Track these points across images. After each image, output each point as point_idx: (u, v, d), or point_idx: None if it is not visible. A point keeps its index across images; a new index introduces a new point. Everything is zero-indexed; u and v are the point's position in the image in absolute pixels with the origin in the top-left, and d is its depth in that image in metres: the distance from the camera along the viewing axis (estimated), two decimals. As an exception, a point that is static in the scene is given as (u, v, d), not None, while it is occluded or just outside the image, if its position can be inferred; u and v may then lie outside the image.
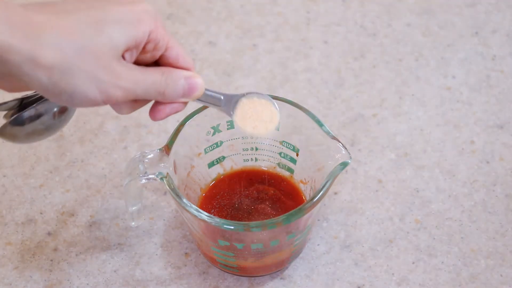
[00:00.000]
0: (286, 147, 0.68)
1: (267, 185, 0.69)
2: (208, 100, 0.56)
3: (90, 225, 0.70)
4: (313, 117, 0.63)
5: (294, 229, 0.61)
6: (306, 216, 0.59)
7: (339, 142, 0.61)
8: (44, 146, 0.76)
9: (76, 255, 0.68)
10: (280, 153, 0.69)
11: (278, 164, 0.70)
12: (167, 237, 0.70)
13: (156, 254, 0.68)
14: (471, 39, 0.87)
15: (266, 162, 0.70)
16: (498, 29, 0.88)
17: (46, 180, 0.74)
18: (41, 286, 0.66)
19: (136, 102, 0.53)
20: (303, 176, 0.68)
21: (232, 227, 0.59)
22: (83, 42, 0.47)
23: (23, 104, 0.55)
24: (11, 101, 0.55)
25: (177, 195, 0.59)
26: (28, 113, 0.55)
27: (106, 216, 0.71)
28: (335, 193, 0.72)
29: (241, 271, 0.65)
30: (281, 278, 0.67)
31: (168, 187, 0.60)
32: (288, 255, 0.65)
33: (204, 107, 0.64)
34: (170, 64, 0.53)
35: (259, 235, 0.60)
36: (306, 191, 0.68)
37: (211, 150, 0.68)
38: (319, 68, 0.84)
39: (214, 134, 0.67)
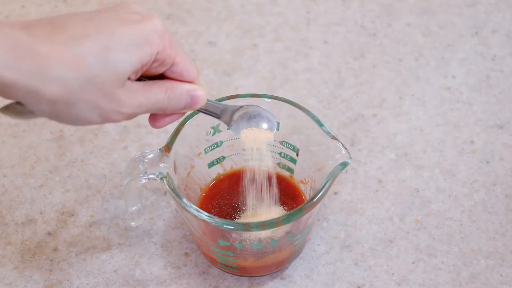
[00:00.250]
0: (286, 147, 0.68)
1: (267, 185, 0.69)
2: (209, 108, 0.59)
3: (90, 225, 0.70)
4: (313, 117, 0.63)
5: (294, 229, 0.61)
6: (306, 216, 0.59)
7: (339, 142, 0.61)
8: (44, 146, 0.76)
9: (76, 255, 0.68)
10: (280, 153, 0.69)
11: (278, 164, 0.70)
12: (167, 237, 0.70)
13: (156, 254, 0.68)
14: (471, 39, 0.87)
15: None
16: (498, 29, 0.88)
17: (46, 180, 0.74)
18: (41, 286, 0.66)
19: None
20: (303, 176, 0.68)
21: (232, 227, 0.59)
22: (88, 75, 0.47)
23: None
24: None
25: (177, 195, 0.59)
26: None
27: (106, 216, 0.71)
28: (335, 193, 0.72)
29: (241, 271, 0.65)
30: (281, 278, 0.67)
31: (168, 187, 0.60)
32: (288, 255, 0.65)
33: (204, 107, 0.65)
34: (174, 78, 0.53)
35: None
36: (306, 191, 0.68)
37: (211, 150, 0.68)
38: (319, 68, 0.84)
39: (214, 134, 0.67)
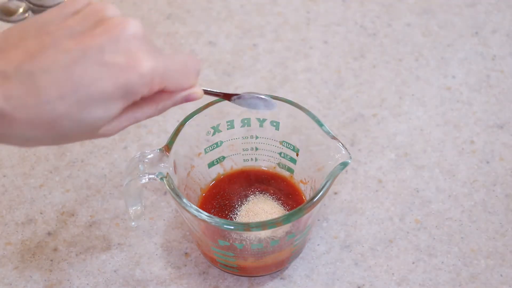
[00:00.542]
0: (286, 147, 0.68)
1: (267, 185, 0.69)
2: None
3: (90, 225, 0.70)
4: (313, 117, 0.63)
5: (294, 229, 0.61)
6: (306, 216, 0.59)
7: (339, 142, 0.61)
8: (44, 146, 0.76)
9: (76, 255, 0.68)
10: (280, 153, 0.69)
11: (278, 164, 0.70)
12: (167, 237, 0.70)
13: (156, 254, 0.68)
14: (471, 39, 0.87)
15: (266, 162, 0.70)
16: (498, 29, 0.88)
17: (46, 180, 0.74)
18: (41, 286, 0.66)
19: None
20: (303, 176, 0.68)
21: (232, 227, 0.59)
22: (62, 133, 0.46)
23: None
24: None
25: (177, 195, 0.59)
26: None
27: (106, 216, 0.71)
28: (335, 193, 0.72)
29: (241, 271, 0.65)
30: (281, 278, 0.67)
31: (168, 187, 0.60)
32: (288, 255, 0.65)
33: (204, 107, 0.64)
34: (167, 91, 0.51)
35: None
36: (306, 191, 0.68)
37: (211, 150, 0.68)
38: (319, 68, 0.84)
39: (214, 134, 0.67)
